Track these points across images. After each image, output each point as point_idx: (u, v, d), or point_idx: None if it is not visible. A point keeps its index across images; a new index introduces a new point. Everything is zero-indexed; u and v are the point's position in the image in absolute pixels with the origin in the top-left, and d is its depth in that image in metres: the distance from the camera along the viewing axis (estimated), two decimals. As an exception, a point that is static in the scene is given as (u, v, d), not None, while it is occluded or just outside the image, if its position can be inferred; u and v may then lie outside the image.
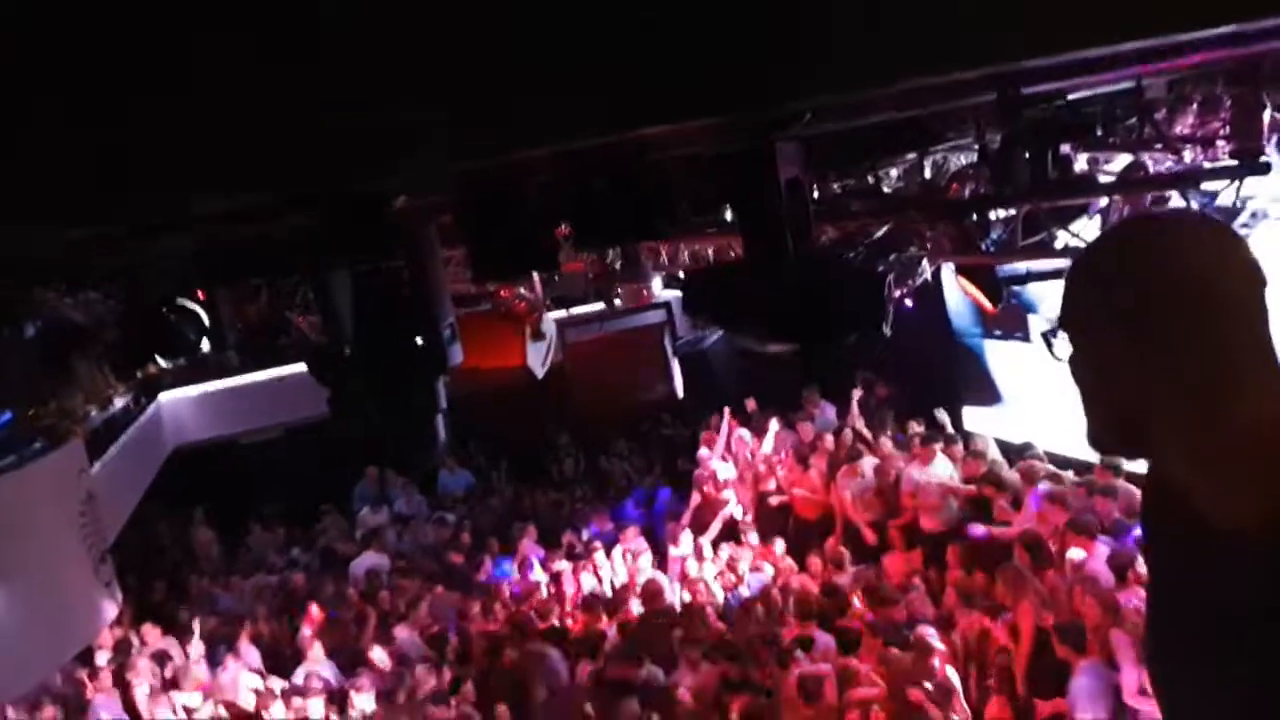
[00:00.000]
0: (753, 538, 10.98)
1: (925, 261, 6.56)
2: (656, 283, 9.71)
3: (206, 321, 6.03)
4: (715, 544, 10.94)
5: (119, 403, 11.71)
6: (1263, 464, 1.42)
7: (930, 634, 7.94)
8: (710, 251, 9.65)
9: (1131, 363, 1.48)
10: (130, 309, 6.01)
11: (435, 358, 4.66)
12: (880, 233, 5.66)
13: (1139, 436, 1.53)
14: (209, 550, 13.55)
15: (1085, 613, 7.26)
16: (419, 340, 4.65)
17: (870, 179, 6.41)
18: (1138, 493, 8.54)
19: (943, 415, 11.30)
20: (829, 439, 11.29)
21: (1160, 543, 1.69)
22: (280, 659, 10.41)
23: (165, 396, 13.86)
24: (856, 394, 11.83)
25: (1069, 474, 9.64)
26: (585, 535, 11.80)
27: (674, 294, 10.59)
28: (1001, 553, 8.64)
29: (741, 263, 4.37)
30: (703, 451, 11.92)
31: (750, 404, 12.16)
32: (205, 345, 6.07)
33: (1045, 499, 9.01)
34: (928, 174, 6.34)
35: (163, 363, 6.17)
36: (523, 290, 7.48)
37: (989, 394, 12.39)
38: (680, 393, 10.25)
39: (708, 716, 8.22)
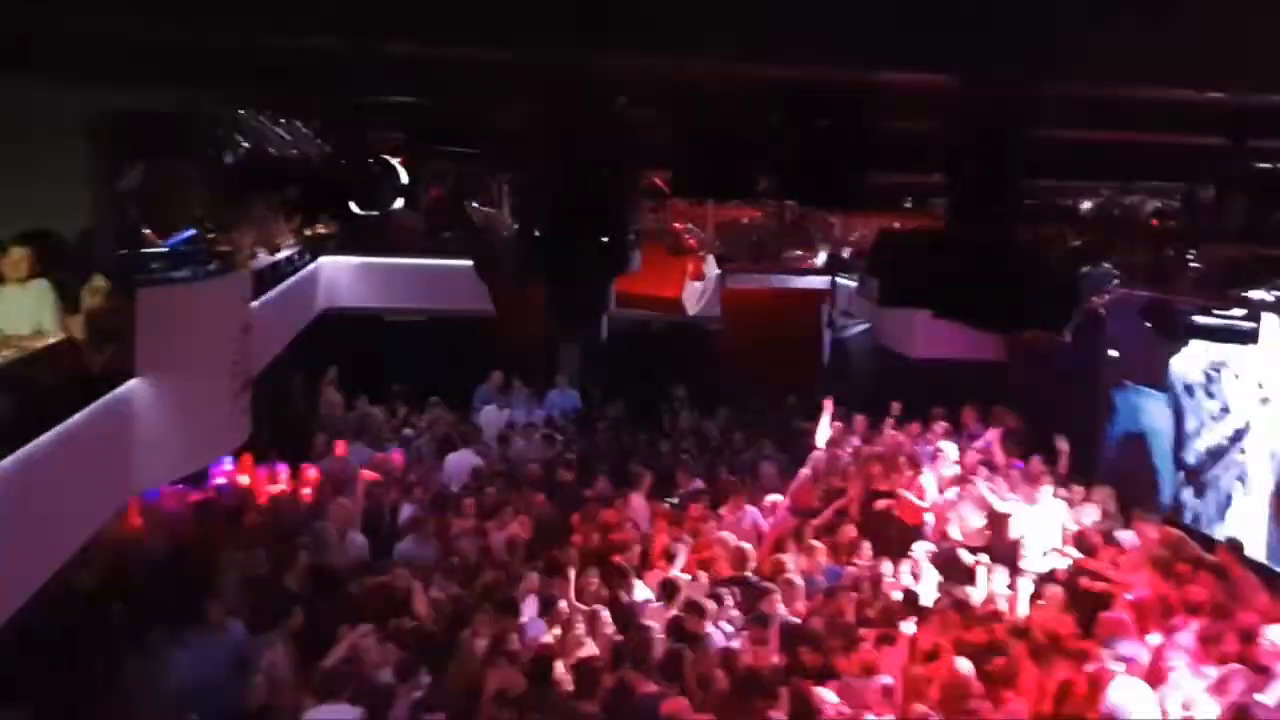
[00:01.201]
0: (849, 531, 10.94)
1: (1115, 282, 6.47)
2: (821, 256, 9.71)
3: (405, 181, 6.28)
4: (817, 530, 10.95)
5: (284, 253, 12.25)
6: None
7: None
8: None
9: None
10: (340, 150, 6.29)
11: (617, 257, 4.79)
12: (1077, 243, 5.61)
13: None
14: (335, 411, 14.08)
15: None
16: (604, 238, 4.77)
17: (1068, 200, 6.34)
18: (1253, 578, 8.41)
19: (1063, 446, 11.11)
20: (951, 452, 11.23)
21: None
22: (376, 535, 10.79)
23: (325, 259, 14.45)
24: (997, 430, 11.80)
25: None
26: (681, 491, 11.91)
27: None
28: (1097, 604, 8.52)
29: (943, 236, 4.40)
30: (823, 436, 11.98)
31: (897, 406, 12.16)
32: (399, 204, 6.32)
33: (1152, 565, 8.88)
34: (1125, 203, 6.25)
35: (355, 209, 6.44)
36: (694, 227, 7.56)
37: (1134, 447, 12.20)
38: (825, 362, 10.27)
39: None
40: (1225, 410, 10.94)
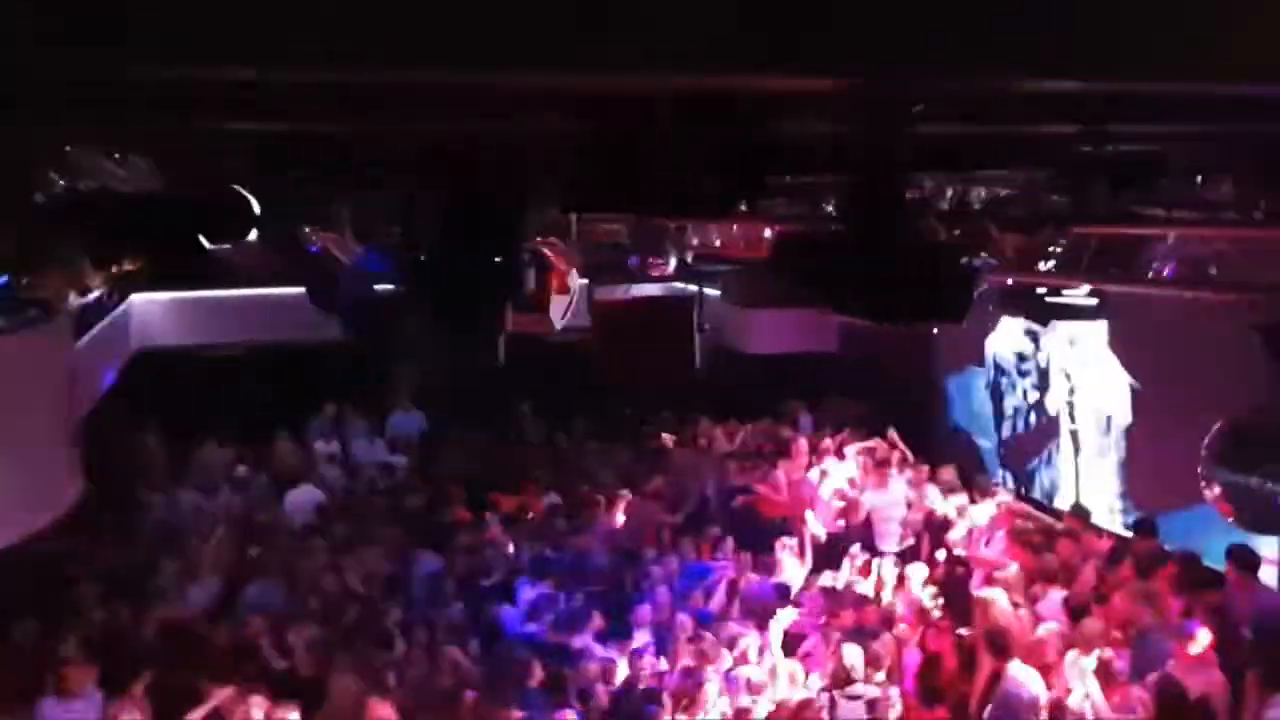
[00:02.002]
0: (713, 529, 11.06)
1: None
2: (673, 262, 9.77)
3: (258, 211, 5.98)
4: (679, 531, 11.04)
5: (95, 294, 11.52)
6: None
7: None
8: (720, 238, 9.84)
9: None
10: (188, 184, 5.95)
11: (514, 276, 4.68)
12: (953, 233, 5.82)
13: None
14: (156, 460, 13.28)
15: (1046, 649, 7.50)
16: (497, 260, 4.65)
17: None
18: (1100, 541, 8.97)
19: (894, 437, 11.54)
20: (803, 444, 11.54)
21: None
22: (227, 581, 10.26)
23: (135, 298, 13.66)
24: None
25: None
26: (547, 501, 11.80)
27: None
28: (960, 579, 8.90)
29: (836, 235, 4.50)
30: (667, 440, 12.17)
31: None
32: (253, 235, 6.03)
33: (1012, 538, 9.33)
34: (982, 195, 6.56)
35: (207, 244, 6.08)
36: (555, 239, 7.47)
37: (967, 426, 12.84)
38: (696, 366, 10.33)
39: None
40: (1042, 383, 11.61)
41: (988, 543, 9.36)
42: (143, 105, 5.59)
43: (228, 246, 6.33)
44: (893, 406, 12.33)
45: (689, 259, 9.65)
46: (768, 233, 7.81)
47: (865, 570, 9.94)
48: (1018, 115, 5.07)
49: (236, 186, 6.00)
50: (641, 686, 8.56)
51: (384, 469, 13.11)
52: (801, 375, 12.96)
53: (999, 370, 12.50)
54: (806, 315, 11.26)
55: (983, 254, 5.50)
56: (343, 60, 4.53)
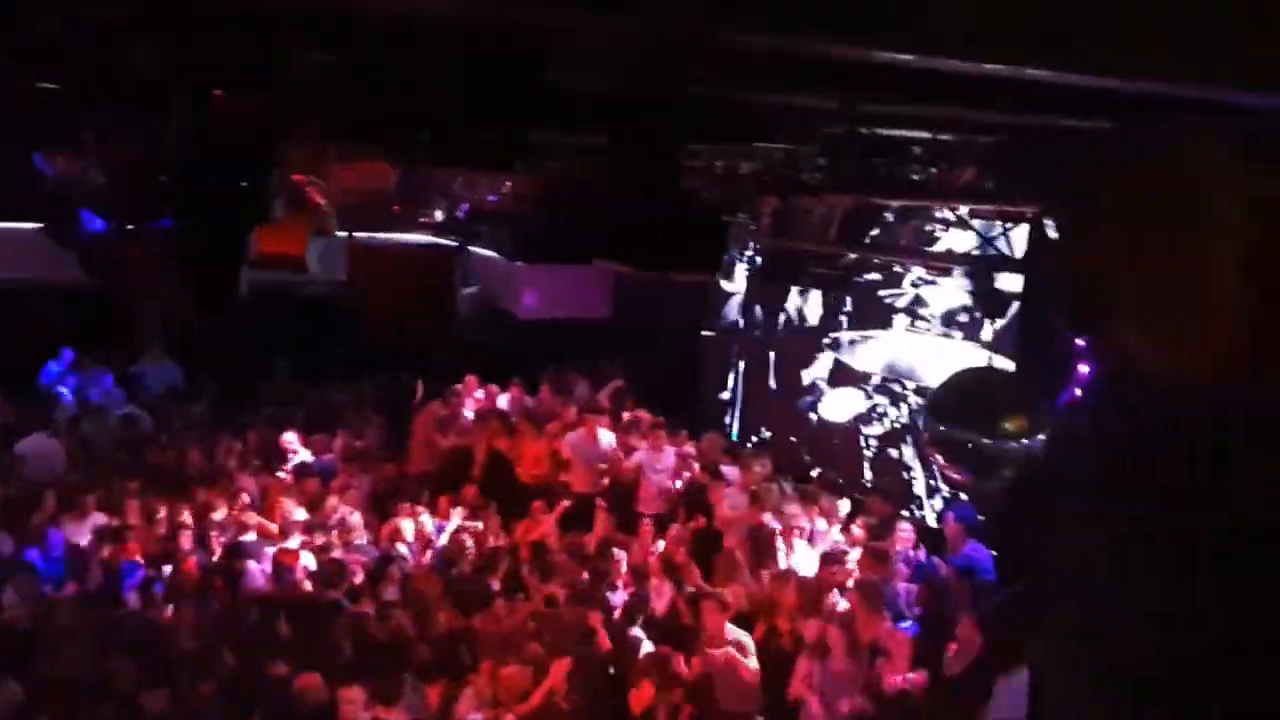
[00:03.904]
0: (471, 490, 10.99)
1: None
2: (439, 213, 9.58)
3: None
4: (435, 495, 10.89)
5: None
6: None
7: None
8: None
9: None
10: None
11: (258, 208, 4.46)
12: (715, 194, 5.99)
13: None
14: None
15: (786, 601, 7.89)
16: (244, 185, 4.40)
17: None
18: (842, 504, 9.50)
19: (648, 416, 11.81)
20: (571, 411, 11.66)
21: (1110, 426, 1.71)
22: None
23: None
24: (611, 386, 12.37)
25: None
26: (294, 462, 11.41)
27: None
28: (717, 540, 9.25)
29: (602, 185, 4.54)
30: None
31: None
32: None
33: (750, 497, 9.71)
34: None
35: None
36: (316, 179, 7.15)
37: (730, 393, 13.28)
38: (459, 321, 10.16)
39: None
40: (766, 345, 12.22)
41: (738, 506, 9.74)
42: None
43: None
44: (655, 373, 12.60)
45: (459, 213, 9.51)
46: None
47: (627, 529, 10.16)
48: (780, 85, 5.25)
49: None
50: (391, 641, 8.46)
51: (126, 420, 12.34)
52: (565, 340, 13.00)
53: (748, 338, 12.97)
54: (576, 281, 11.33)
55: (740, 214, 5.68)
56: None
